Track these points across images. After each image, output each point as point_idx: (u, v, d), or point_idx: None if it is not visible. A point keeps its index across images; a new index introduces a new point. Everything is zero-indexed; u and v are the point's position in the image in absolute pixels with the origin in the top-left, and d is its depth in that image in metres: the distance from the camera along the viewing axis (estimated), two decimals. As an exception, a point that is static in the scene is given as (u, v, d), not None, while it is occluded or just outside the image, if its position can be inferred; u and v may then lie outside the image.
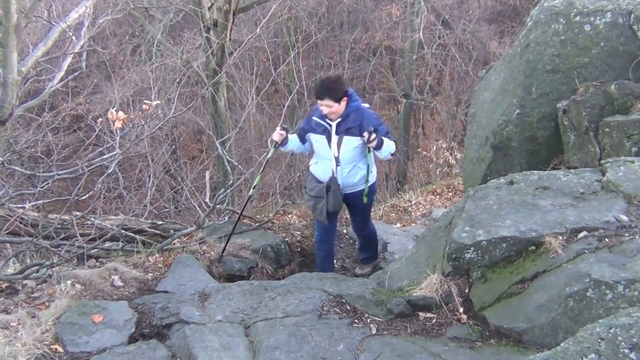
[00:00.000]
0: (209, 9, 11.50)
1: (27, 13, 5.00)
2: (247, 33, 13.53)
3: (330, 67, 17.35)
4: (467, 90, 17.17)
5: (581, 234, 3.26)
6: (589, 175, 3.80)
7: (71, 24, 5.43)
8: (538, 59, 4.84)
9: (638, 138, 4.17)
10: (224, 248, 5.27)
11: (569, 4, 4.86)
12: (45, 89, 5.68)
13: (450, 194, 10.15)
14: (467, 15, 18.62)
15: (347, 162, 4.78)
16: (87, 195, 5.28)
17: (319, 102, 4.63)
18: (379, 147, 4.59)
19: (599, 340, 2.14)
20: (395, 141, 4.81)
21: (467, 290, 3.53)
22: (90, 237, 4.93)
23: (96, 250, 5.29)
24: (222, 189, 6.24)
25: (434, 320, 3.48)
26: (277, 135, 4.82)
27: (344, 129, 4.69)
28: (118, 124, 5.14)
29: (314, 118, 4.81)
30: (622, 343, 2.10)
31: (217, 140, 7.97)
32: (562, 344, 2.23)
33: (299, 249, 5.83)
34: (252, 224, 6.40)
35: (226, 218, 6.73)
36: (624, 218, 3.28)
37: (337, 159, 4.76)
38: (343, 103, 4.62)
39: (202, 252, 5.39)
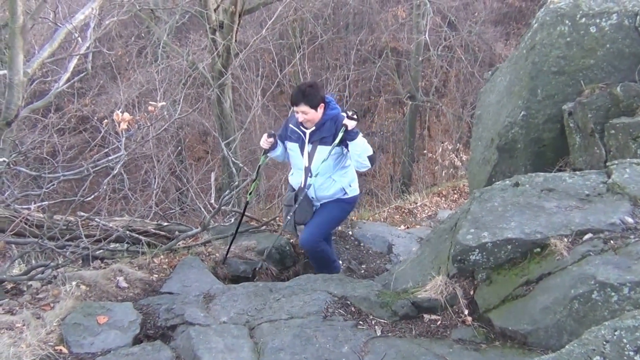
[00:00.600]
0: (215, 10, 11.52)
1: (33, 14, 5.02)
2: (252, 34, 13.55)
3: (335, 68, 17.35)
4: (473, 92, 17.15)
5: (586, 236, 3.25)
6: (595, 177, 3.79)
7: (77, 25, 5.45)
8: (544, 61, 4.83)
9: (644, 140, 4.15)
10: (227, 252, 5.26)
11: (574, 5, 4.84)
12: (51, 90, 5.69)
13: (455, 195, 10.15)
14: (473, 17, 18.60)
15: (320, 173, 4.53)
16: (93, 197, 5.29)
17: (295, 108, 4.42)
18: (354, 137, 4.33)
19: (604, 343, 2.13)
20: (374, 152, 4.51)
21: (472, 292, 3.52)
22: (95, 238, 4.96)
23: (101, 251, 5.30)
24: (228, 191, 6.24)
25: (439, 322, 3.47)
26: (265, 143, 4.66)
27: (318, 138, 4.48)
28: (124, 125, 5.15)
29: (290, 125, 4.63)
30: (627, 345, 2.09)
31: (222, 141, 7.98)
32: (567, 346, 2.22)
33: (303, 251, 5.82)
34: (255, 224, 6.41)
35: (232, 220, 6.72)
36: (630, 220, 3.27)
37: (307, 169, 4.56)
38: (320, 110, 4.43)
39: (207, 254, 5.40)
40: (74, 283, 4.16)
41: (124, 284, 4.49)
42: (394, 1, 19.01)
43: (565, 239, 3.25)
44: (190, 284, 4.62)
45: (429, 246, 4.30)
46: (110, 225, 5.42)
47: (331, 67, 18.05)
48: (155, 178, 8.05)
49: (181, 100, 7.35)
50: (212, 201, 6.66)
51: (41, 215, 5.13)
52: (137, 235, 5.58)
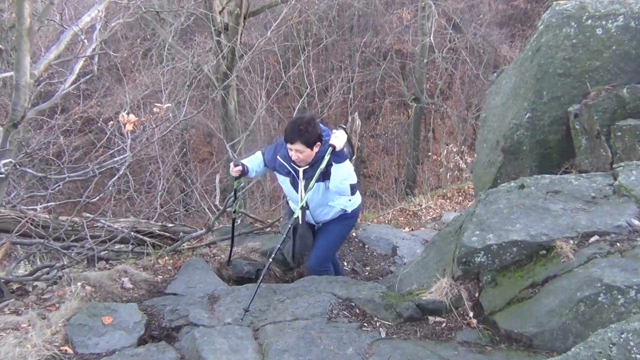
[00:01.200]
0: (220, 12, 11.55)
1: (39, 17, 5.04)
2: (257, 36, 13.56)
3: (340, 70, 17.35)
4: (478, 94, 17.14)
5: (592, 239, 3.24)
6: (601, 179, 3.78)
7: (83, 27, 5.47)
8: (549, 63, 4.82)
9: (650, 142, 4.14)
10: (229, 257, 5.23)
11: (580, 7, 4.84)
12: (57, 91, 5.71)
13: (460, 198, 10.13)
14: (478, 19, 18.58)
15: (316, 205, 4.34)
16: (98, 198, 5.31)
17: (289, 145, 4.05)
18: (340, 160, 3.98)
19: (611, 345, 2.12)
20: (358, 182, 4.25)
21: (477, 295, 3.51)
22: (100, 239, 4.96)
23: (106, 252, 5.32)
24: (231, 193, 6.24)
25: (444, 325, 3.46)
26: (234, 172, 4.36)
27: (311, 175, 4.11)
28: (129, 127, 5.17)
29: (278, 158, 4.29)
30: (634, 348, 2.08)
31: (227, 143, 7.99)
32: (573, 349, 2.21)
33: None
34: (260, 225, 6.41)
35: (237, 221, 6.73)
36: (636, 222, 3.26)
37: (305, 205, 4.25)
38: (316, 148, 4.06)
39: (211, 255, 5.40)
40: (79, 284, 4.17)
41: (128, 285, 4.50)
42: (398, 3, 19.01)
43: (571, 241, 3.24)
44: (195, 285, 4.63)
45: (434, 248, 4.29)
46: (116, 226, 5.43)
47: (336, 69, 18.07)
48: (160, 179, 8.07)
49: (186, 102, 7.35)
50: (217, 203, 6.67)
51: (47, 216, 5.15)
52: (142, 237, 5.59)
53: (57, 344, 3.45)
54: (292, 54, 17.08)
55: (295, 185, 4.27)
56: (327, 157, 3.98)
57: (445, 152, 14.46)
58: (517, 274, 3.33)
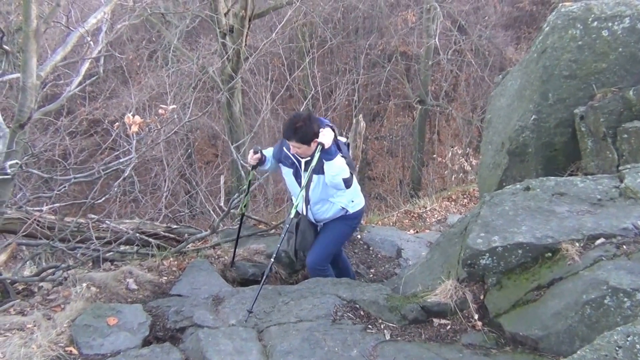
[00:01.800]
0: (225, 15, 11.58)
1: (46, 18, 5.06)
2: (262, 39, 13.59)
3: (345, 72, 17.35)
4: (483, 96, 17.10)
5: (598, 241, 3.23)
6: (607, 181, 3.76)
7: (89, 29, 5.48)
8: (555, 65, 4.81)
9: (657, 144, 4.12)
10: (233, 257, 5.23)
11: (586, 9, 4.82)
12: (63, 93, 5.72)
13: (465, 200, 10.11)
14: (484, 21, 18.55)
15: (317, 200, 4.39)
16: (103, 199, 5.32)
17: (287, 141, 4.24)
18: (331, 157, 4.08)
19: (617, 348, 2.11)
20: (351, 174, 4.22)
21: (482, 297, 3.50)
22: (105, 240, 4.98)
23: (111, 253, 5.33)
24: (237, 194, 6.24)
25: (449, 327, 3.46)
26: (252, 160, 4.48)
27: (316, 168, 4.21)
28: (134, 128, 5.17)
29: (284, 149, 4.42)
30: (641, 351, 2.07)
31: (232, 144, 7.99)
32: (578, 352, 2.20)
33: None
34: (264, 227, 6.41)
35: (245, 220, 6.74)
36: (643, 225, 3.24)
37: (306, 197, 4.39)
38: (313, 145, 4.15)
39: (216, 257, 5.41)
40: (84, 285, 4.19)
41: (133, 286, 4.51)
42: (403, 5, 19.00)
43: (577, 244, 3.23)
44: (200, 287, 4.63)
45: (439, 250, 4.28)
46: (121, 227, 5.44)
47: (340, 71, 18.07)
48: (165, 181, 8.10)
49: (191, 104, 7.36)
50: (222, 204, 6.68)
51: (52, 217, 5.17)
52: (146, 238, 5.60)
53: (62, 344, 3.46)
54: (296, 56, 17.11)
55: (297, 176, 4.39)
56: (316, 155, 4.10)
57: (450, 154, 14.43)
58: (522, 277, 3.32)
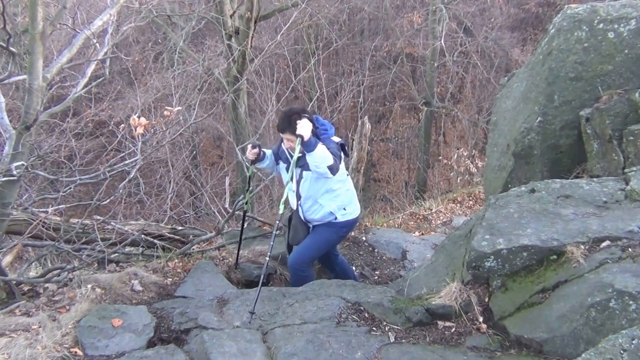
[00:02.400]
0: (231, 16, 11.60)
1: (52, 21, 5.08)
2: (267, 40, 13.61)
3: (350, 74, 17.36)
4: (489, 98, 17.08)
5: (604, 244, 3.21)
6: (613, 184, 3.75)
7: (95, 31, 5.50)
8: (561, 67, 4.79)
9: (663, 147, 4.10)
10: (237, 258, 5.24)
11: (592, 11, 4.81)
12: (69, 95, 5.74)
13: (471, 202, 10.08)
14: (489, 23, 18.54)
15: (307, 196, 4.41)
16: (109, 200, 5.33)
17: (281, 134, 4.30)
18: (311, 148, 4.00)
19: (621, 352, 2.10)
20: (335, 161, 4.12)
21: (486, 299, 3.49)
22: (110, 241, 4.99)
23: (116, 254, 5.35)
24: (242, 195, 6.25)
25: (453, 329, 3.45)
26: (250, 154, 4.52)
27: (304, 164, 4.28)
28: (140, 130, 5.18)
29: (282, 146, 4.49)
30: (646, 355, 2.06)
31: (237, 146, 8.01)
32: (583, 355, 2.20)
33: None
34: (269, 228, 6.41)
35: (245, 224, 6.75)
36: (649, 228, 3.22)
37: (297, 193, 4.46)
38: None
39: (220, 258, 5.42)
40: (89, 286, 4.20)
41: (138, 288, 4.52)
42: (409, 7, 19.00)
43: (582, 246, 3.22)
44: (204, 288, 4.64)
45: (444, 252, 4.27)
46: (126, 228, 5.46)
47: (346, 72, 18.08)
48: (170, 182, 8.12)
49: (196, 105, 7.39)
50: (226, 206, 6.68)
51: (58, 218, 5.18)
52: (151, 239, 5.61)
53: (67, 345, 3.47)
54: (302, 57, 17.13)
55: (289, 169, 4.40)
56: (297, 148, 4.08)
57: (455, 156, 14.41)
58: (527, 279, 3.30)
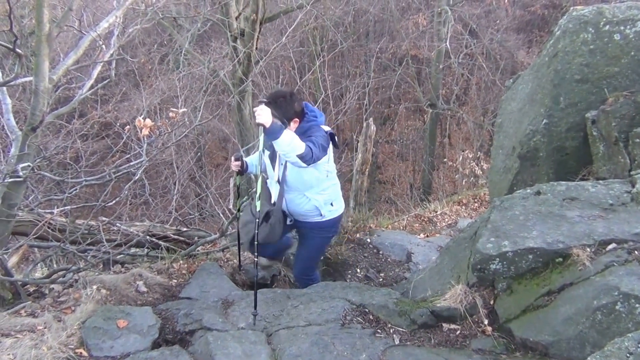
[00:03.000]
0: (237, 18, 11.61)
1: (59, 23, 5.09)
2: (273, 42, 13.62)
3: (355, 76, 17.37)
4: (494, 100, 17.05)
5: (610, 246, 3.20)
6: (619, 186, 3.73)
7: (101, 33, 5.52)
8: (566, 69, 4.78)
9: (670, 149, 4.08)
10: (239, 260, 5.21)
11: (598, 13, 4.79)
12: (75, 96, 5.77)
13: (476, 204, 10.06)
14: (495, 25, 18.52)
15: (292, 188, 4.14)
16: (114, 202, 5.35)
17: None
18: (275, 135, 3.60)
19: (628, 355, 2.09)
20: (311, 149, 3.76)
21: (492, 302, 3.48)
22: (116, 242, 5.00)
23: (122, 255, 5.36)
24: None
25: (458, 332, 3.44)
26: (233, 166, 4.39)
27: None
28: (145, 132, 5.20)
29: None
30: (652, 359, 2.05)
31: (242, 148, 8.02)
32: (589, 358, 2.19)
33: (322, 258, 5.81)
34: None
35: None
36: (655, 230, 3.21)
37: (279, 183, 4.14)
38: (293, 125, 3.96)
39: (225, 260, 5.42)
40: (94, 287, 4.21)
41: (143, 289, 4.53)
42: (414, 9, 19.00)
43: (588, 249, 3.21)
44: (209, 290, 4.64)
45: (449, 255, 4.26)
46: (131, 230, 5.47)
47: (351, 74, 18.09)
48: (175, 184, 8.14)
49: (202, 107, 7.39)
50: (231, 207, 6.69)
51: (64, 219, 5.20)
52: (156, 241, 5.62)
53: (72, 346, 3.48)
54: (307, 59, 17.14)
55: (273, 159, 4.18)
56: (261, 138, 3.91)
57: (461, 158, 14.37)
58: (533, 282, 3.29)
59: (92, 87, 5.88)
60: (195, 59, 13.70)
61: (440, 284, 3.95)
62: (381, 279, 5.73)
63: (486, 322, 3.40)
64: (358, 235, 6.32)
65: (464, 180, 13.80)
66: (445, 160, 18.02)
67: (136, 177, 5.36)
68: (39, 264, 5.34)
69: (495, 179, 5.73)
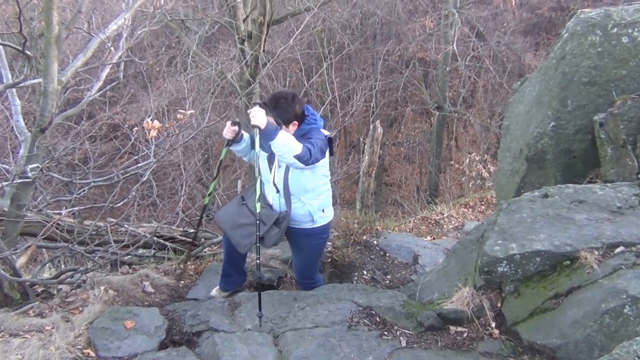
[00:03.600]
0: (244, 21, 11.65)
1: (68, 25, 5.13)
2: (280, 44, 13.65)
3: (362, 78, 17.37)
4: (501, 103, 17.02)
5: (618, 249, 3.19)
6: (627, 189, 3.72)
7: (110, 35, 5.55)
8: (574, 71, 4.77)
9: (678, 152, 4.06)
10: (184, 264, 5.08)
11: (606, 15, 4.78)
12: (83, 98, 5.81)
13: (483, 207, 10.03)
14: (502, 27, 18.48)
15: (289, 191, 4.04)
16: (122, 203, 5.38)
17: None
18: (271, 136, 3.60)
19: (636, 358, 2.08)
20: (309, 150, 3.70)
21: (499, 305, 3.47)
22: (123, 243, 5.03)
23: (129, 256, 5.38)
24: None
25: (465, 335, 3.43)
26: (228, 132, 4.03)
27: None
28: (153, 133, 5.23)
29: None
30: (661, 362, 2.04)
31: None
32: (597, 362, 2.18)
33: (329, 260, 5.81)
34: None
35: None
36: (664, 234, 3.20)
37: (275, 186, 4.07)
38: (292, 127, 3.88)
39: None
40: (102, 287, 4.23)
41: (150, 290, 4.54)
42: (422, 11, 19.00)
43: (596, 252, 3.20)
44: (216, 291, 4.65)
45: (455, 257, 4.25)
46: (139, 231, 5.49)
47: (358, 77, 18.08)
48: (182, 185, 8.16)
49: (209, 109, 7.42)
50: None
51: (72, 220, 5.24)
52: (164, 242, 5.64)
53: (80, 346, 3.49)
54: (314, 61, 17.17)
55: (271, 161, 4.07)
56: (257, 140, 3.80)
57: (467, 160, 14.34)
58: (540, 285, 3.28)
59: (100, 88, 5.91)
60: (203, 61, 13.74)
61: (447, 287, 3.94)
62: (388, 281, 5.72)
63: (493, 324, 3.39)
64: (364, 237, 6.31)
65: (470, 183, 13.77)
66: (451, 162, 18.01)
67: (144, 179, 5.39)
68: (47, 265, 5.38)
69: (503, 182, 5.71)
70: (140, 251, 5.55)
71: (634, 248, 3.14)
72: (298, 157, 3.67)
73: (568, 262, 3.25)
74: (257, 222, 3.85)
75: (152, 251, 5.67)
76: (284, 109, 3.83)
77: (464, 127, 20.10)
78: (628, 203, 3.57)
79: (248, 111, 3.64)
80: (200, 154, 13.78)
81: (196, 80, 13.08)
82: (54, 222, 4.67)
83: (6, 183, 4.62)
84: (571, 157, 4.84)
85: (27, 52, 4.46)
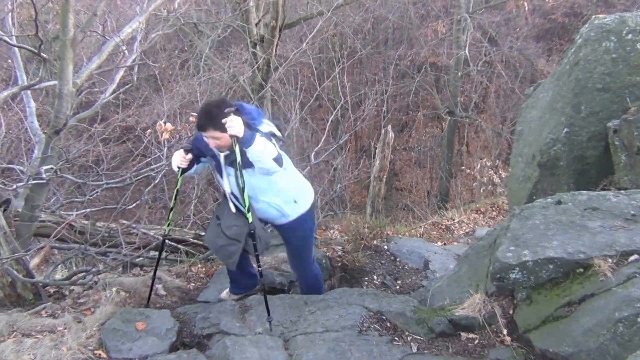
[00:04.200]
0: (256, 25, 11.69)
1: (83, 28, 5.19)
2: (292, 48, 13.69)
3: (374, 83, 17.37)
4: (513, 108, 16.94)
5: (632, 257, 3.16)
6: (641, 196, 3.69)
7: (124, 38, 5.60)
8: (588, 77, 4.74)
9: (694, 160, 4.02)
10: (150, 294, 4.98)
11: (620, 21, 4.75)
12: (97, 100, 5.86)
13: (494, 213, 9.99)
14: (515, 33, 18.42)
15: (253, 199, 3.82)
16: (134, 205, 5.41)
17: (204, 134, 3.65)
18: (248, 143, 3.43)
19: (651, 368, 2.06)
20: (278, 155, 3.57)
21: (511, 312, 3.45)
22: (135, 245, 5.05)
23: (141, 258, 5.40)
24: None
25: (477, 341, 3.42)
26: (184, 161, 3.86)
27: (233, 160, 3.67)
28: (166, 136, 5.26)
29: (205, 138, 3.73)
30: (676, 372, 2.02)
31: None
32: (611, 371, 2.16)
33: (339, 264, 5.80)
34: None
35: (269, 230, 6.76)
36: (678, 242, 3.16)
37: (232, 195, 3.89)
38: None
39: (243, 264, 5.43)
40: (114, 289, 4.25)
41: (162, 292, 4.56)
42: (434, 16, 18.99)
43: (610, 260, 3.17)
44: (227, 294, 4.65)
45: (467, 263, 4.24)
46: (151, 233, 5.52)
47: (370, 81, 18.09)
48: (193, 188, 8.17)
49: (221, 112, 7.42)
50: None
51: (84, 222, 5.27)
52: (175, 244, 5.66)
53: (91, 347, 3.51)
54: (326, 66, 17.19)
55: (219, 171, 3.89)
56: (236, 149, 3.54)
57: (479, 166, 14.29)
58: (553, 292, 3.26)
59: (114, 91, 5.96)
60: (215, 65, 13.80)
61: (458, 293, 3.92)
62: (398, 287, 5.70)
63: (505, 332, 3.37)
64: (375, 242, 6.30)
65: (481, 189, 13.72)
66: (463, 168, 17.94)
67: (156, 181, 5.42)
68: (59, 266, 5.42)
69: (515, 188, 5.69)
70: (152, 253, 5.57)
71: (649, 256, 3.11)
72: (276, 159, 3.54)
73: (581, 269, 3.23)
74: (251, 231, 3.76)
75: (164, 254, 5.70)
76: (220, 115, 3.48)
77: (475, 133, 20.02)
78: (642, 211, 3.54)
79: (223, 121, 3.43)
80: (211, 157, 13.75)
81: (208, 83, 13.11)
82: (66, 223, 4.70)
83: (20, 184, 4.66)
84: (584, 164, 4.81)
85: (43, 54, 4.50)
